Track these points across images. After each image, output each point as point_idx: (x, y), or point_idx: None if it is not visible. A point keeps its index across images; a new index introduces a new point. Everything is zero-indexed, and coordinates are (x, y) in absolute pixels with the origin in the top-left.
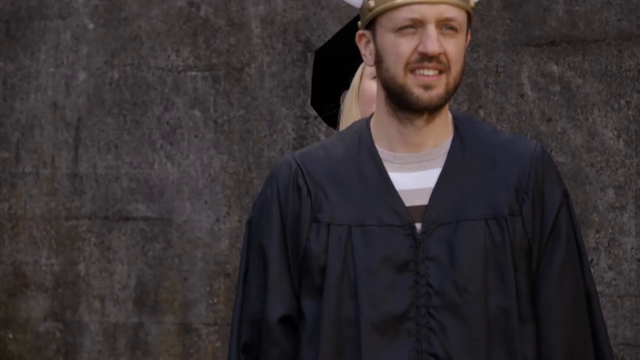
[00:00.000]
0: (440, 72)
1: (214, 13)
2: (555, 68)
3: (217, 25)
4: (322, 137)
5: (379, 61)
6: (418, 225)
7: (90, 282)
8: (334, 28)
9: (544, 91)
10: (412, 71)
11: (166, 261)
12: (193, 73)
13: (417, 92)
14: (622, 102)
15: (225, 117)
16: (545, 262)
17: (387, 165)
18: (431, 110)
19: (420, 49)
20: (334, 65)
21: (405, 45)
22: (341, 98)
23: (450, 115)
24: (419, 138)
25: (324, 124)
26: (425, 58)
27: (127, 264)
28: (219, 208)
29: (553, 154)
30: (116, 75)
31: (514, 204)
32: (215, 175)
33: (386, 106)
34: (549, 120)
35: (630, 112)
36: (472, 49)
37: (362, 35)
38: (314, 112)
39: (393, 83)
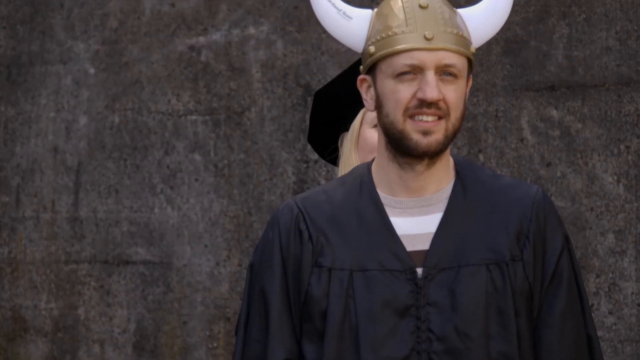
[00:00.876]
0: (440, 118)
1: (214, 58)
2: (554, 113)
3: (217, 69)
4: (323, 181)
5: (379, 106)
6: (419, 270)
7: (90, 326)
8: (334, 72)
9: (543, 136)
10: (412, 117)
11: (166, 305)
12: (193, 117)
13: (416, 137)
14: (622, 146)
15: (226, 161)
16: (547, 306)
17: (388, 210)
18: (431, 155)
19: (419, 95)
20: (333, 107)
21: (405, 92)
22: (340, 140)
23: (451, 160)
24: (419, 183)
25: (324, 168)
26: (424, 104)
27: (127, 308)
28: (219, 252)
29: (553, 198)
30: (117, 120)
31: (515, 249)
32: (215, 219)
33: (386, 151)
34: (548, 164)
35: (629, 157)
36: (471, 93)
37: (364, 80)
38: (314, 156)
39: (392, 128)
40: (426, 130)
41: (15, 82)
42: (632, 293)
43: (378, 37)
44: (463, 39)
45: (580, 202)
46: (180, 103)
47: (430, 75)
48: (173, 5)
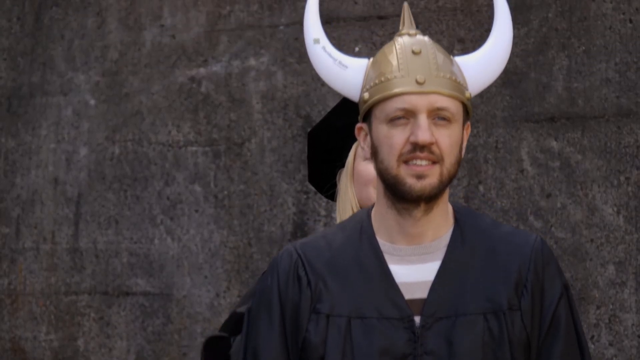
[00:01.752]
0: (434, 162)
1: (214, 89)
2: (554, 144)
3: (217, 100)
4: (323, 212)
5: (374, 153)
6: (417, 319)
7: (90, 357)
8: (334, 103)
9: (543, 167)
10: (406, 162)
11: (166, 336)
12: (194, 148)
13: (410, 181)
14: (622, 178)
15: (226, 192)
16: (545, 355)
17: (387, 257)
18: (426, 199)
19: (412, 138)
20: (328, 144)
21: (398, 137)
22: (337, 176)
23: (450, 207)
24: (417, 229)
25: (325, 199)
26: (417, 148)
27: (127, 339)
28: (219, 283)
29: (553, 229)
30: (117, 151)
31: (513, 298)
32: (215, 250)
33: (385, 197)
34: (548, 195)
35: (629, 188)
36: (472, 124)
37: (360, 128)
38: (314, 187)
39: (387, 174)
40: (420, 174)
41: (15, 114)
42: (633, 324)
43: (372, 84)
44: (456, 84)
45: (580, 234)
46: (180, 134)
47: (422, 119)
48: (173, 36)
